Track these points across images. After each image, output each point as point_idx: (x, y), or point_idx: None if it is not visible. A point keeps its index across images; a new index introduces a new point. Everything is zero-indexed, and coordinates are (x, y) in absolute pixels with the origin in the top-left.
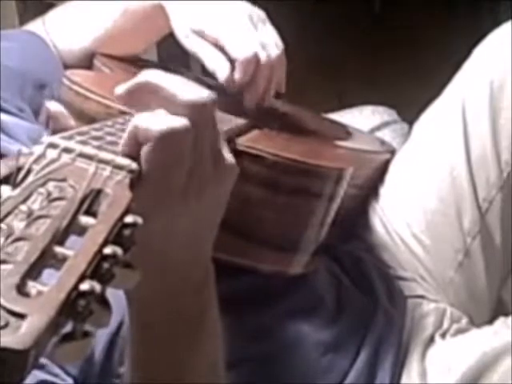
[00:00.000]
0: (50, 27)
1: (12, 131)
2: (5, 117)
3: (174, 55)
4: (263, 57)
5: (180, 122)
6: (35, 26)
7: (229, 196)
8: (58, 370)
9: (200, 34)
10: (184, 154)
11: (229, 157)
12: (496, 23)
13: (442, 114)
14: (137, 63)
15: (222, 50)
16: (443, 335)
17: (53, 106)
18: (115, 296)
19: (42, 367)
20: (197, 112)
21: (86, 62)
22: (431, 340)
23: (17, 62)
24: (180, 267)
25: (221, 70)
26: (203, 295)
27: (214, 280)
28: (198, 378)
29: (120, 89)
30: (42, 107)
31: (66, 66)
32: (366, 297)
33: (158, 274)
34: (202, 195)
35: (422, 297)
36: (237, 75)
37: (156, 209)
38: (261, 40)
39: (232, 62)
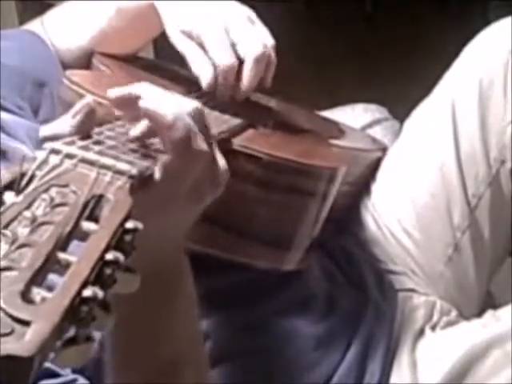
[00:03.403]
0: (48, 26)
1: (11, 129)
2: (4, 115)
3: (170, 53)
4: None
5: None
6: (34, 25)
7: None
8: None
9: (188, 35)
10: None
11: (222, 160)
12: (486, 22)
13: (432, 112)
14: (135, 62)
15: (206, 53)
16: (433, 328)
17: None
18: None
19: None
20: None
21: (85, 60)
22: (421, 332)
23: (16, 60)
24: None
25: (204, 75)
26: (179, 261)
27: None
28: (175, 346)
29: (113, 92)
30: (40, 105)
31: (65, 65)
32: (358, 291)
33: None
34: (203, 198)
35: (412, 290)
36: (219, 82)
37: (160, 211)
38: (247, 41)
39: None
